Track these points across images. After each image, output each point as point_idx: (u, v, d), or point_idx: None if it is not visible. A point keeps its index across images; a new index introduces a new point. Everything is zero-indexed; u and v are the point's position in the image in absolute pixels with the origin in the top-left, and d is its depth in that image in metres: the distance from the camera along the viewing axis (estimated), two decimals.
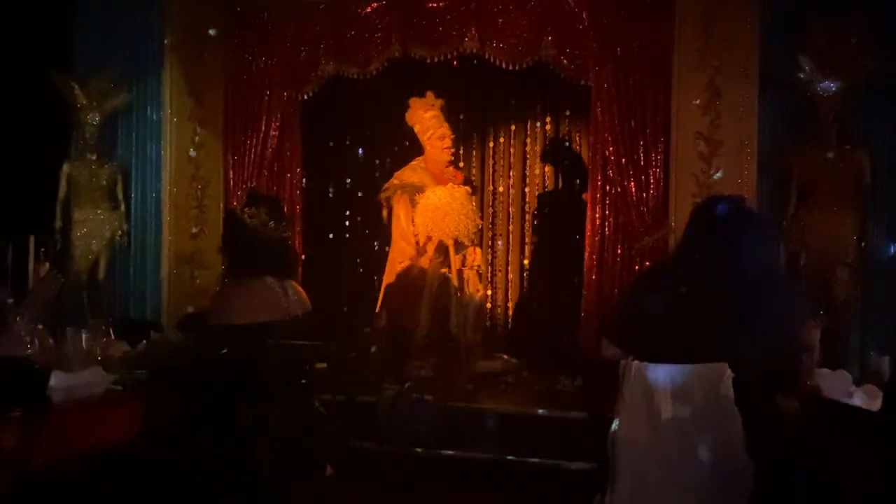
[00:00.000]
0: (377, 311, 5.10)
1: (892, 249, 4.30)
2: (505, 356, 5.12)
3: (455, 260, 4.97)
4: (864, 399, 2.50)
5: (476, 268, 5.15)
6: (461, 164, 5.89)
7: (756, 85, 4.55)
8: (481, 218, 5.42)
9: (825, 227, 4.31)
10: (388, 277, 5.18)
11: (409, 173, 5.14)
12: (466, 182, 5.36)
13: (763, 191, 4.53)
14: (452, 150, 5.19)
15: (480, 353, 5.10)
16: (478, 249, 5.23)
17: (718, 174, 4.59)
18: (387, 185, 5.22)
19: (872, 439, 1.78)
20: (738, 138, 4.58)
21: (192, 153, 5.55)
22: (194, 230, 5.59)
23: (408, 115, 5.20)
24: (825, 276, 4.29)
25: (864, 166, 4.30)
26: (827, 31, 4.30)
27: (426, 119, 5.10)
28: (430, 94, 5.13)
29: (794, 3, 4.49)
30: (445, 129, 5.10)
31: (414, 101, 5.17)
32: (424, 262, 5.04)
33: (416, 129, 5.19)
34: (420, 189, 5.00)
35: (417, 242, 5.06)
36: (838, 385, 2.65)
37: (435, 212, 4.81)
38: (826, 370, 2.76)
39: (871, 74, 4.26)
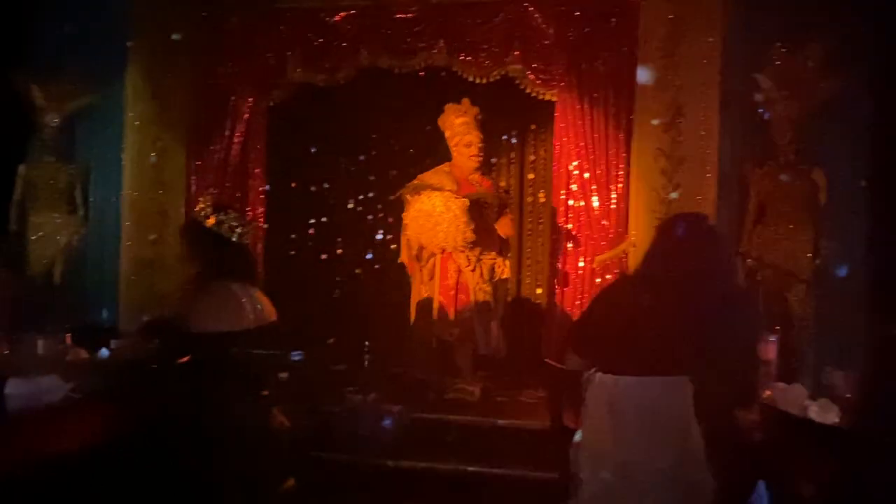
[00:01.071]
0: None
1: (845, 267, 4.42)
2: (469, 387, 4.81)
3: (465, 270, 4.84)
4: (819, 413, 2.56)
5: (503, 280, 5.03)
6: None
7: (717, 104, 4.66)
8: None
9: (782, 245, 4.43)
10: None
11: (430, 175, 5.00)
12: (495, 188, 5.25)
13: (722, 208, 4.63)
14: (480, 158, 5.02)
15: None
16: (507, 261, 5.03)
17: (675, 194, 4.69)
18: (409, 183, 5.04)
19: (831, 453, 1.83)
20: (699, 156, 4.69)
21: (153, 158, 5.47)
22: (154, 236, 5.49)
23: (440, 120, 5.08)
24: (781, 292, 4.41)
25: (820, 186, 4.43)
26: (786, 53, 4.43)
27: (456, 125, 4.97)
28: (465, 101, 5.01)
29: (754, 26, 4.61)
30: (473, 137, 4.95)
31: (449, 107, 5.04)
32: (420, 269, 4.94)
33: (447, 134, 5.07)
34: (437, 191, 4.84)
35: (410, 247, 4.94)
36: (794, 398, 2.71)
37: (427, 219, 4.71)
38: (782, 384, 2.83)
39: (827, 96, 4.40)
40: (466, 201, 4.72)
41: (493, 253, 4.93)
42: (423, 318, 4.92)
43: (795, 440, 1.98)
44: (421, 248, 4.89)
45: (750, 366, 2.35)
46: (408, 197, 4.90)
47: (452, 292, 4.83)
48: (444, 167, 5.02)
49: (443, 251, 4.82)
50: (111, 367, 2.51)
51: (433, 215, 4.70)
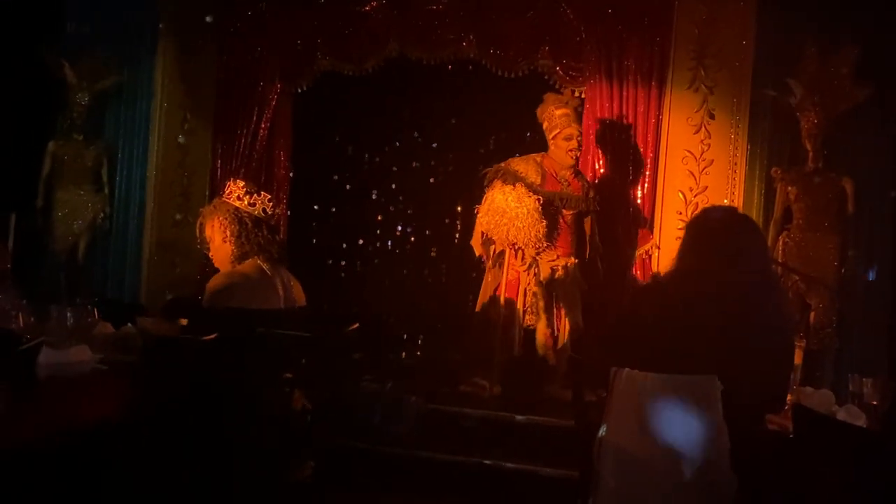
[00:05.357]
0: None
1: (870, 274, 4.39)
2: (482, 382, 4.58)
3: (515, 264, 4.53)
4: (847, 418, 2.54)
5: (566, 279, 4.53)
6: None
7: (747, 108, 4.65)
8: None
9: (808, 251, 4.40)
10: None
11: (518, 161, 4.64)
12: (584, 191, 4.70)
13: (748, 212, 4.60)
14: (578, 153, 4.63)
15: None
16: (571, 260, 4.59)
17: (702, 196, 4.67)
18: (496, 166, 4.66)
19: (867, 458, 1.81)
20: (728, 159, 4.68)
21: (181, 140, 5.51)
22: (178, 217, 5.54)
23: (539, 111, 4.68)
24: (806, 298, 4.38)
25: (848, 193, 4.40)
26: (818, 59, 4.41)
27: (556, 116, 4.57)
28: (567, 92, 4.77)
29: (788, 30, 4.58)
30: (574, 130, 4.54)
31: (549, 97, 4.68)
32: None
33: (545, 126, 4.66)
34: (520, 181, 4.49)
35: (483, 235, 4.61)
36: (822, 403, 2.69)
37: (500, 214, 4.38)
38: (809, 388, 2.80)
39: (858, 104, 4.36)
40: (538, 199, 4.41)
41: (557, 254, 4.56)
42: (483, 310, 4.70)
43: (829, 443, 1.96)
44: (489, 239, 4.59)
45: (784, 365, 2.34)
46: (485, 188, 4.59)
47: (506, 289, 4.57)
48: (537, 156, 4.67)
49: (513, 245, 4.49)
50: (141, 341, 2.53)
51: (506, 212, 4.39)
